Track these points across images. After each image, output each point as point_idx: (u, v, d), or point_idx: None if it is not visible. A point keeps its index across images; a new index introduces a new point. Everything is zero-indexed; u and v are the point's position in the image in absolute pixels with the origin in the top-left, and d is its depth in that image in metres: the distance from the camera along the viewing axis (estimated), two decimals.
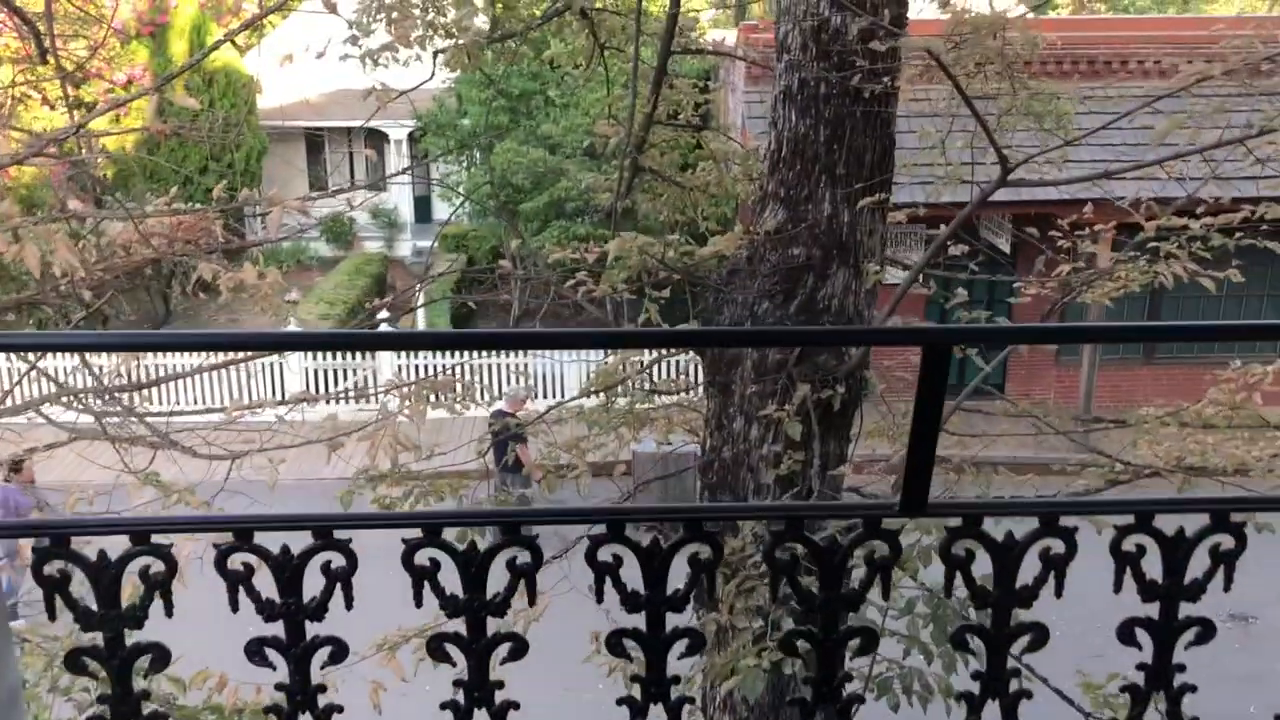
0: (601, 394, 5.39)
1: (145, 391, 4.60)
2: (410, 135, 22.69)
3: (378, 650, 4.36)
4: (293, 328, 15.62)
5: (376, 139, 25.30)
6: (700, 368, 4.82)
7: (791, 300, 4.37)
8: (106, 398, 4.46)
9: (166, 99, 21.71)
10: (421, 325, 15.73)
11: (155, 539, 1.69)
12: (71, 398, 4.41)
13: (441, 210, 22.75)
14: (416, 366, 16.07)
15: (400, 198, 24.71)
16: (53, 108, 21.55)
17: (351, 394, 4.83)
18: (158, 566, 1.69)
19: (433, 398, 4.92)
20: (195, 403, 13.60)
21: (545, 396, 15.18)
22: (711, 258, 4.52)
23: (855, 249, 4.38)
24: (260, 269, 6.61)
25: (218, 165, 22.18)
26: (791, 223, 4.38)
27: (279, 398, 5.17)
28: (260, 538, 1.70)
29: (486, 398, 12.93)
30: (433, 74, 6.86)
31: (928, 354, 1.59)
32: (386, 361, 15.83)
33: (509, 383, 15.26)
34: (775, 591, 1.82)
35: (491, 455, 10.31)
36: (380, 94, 7.63)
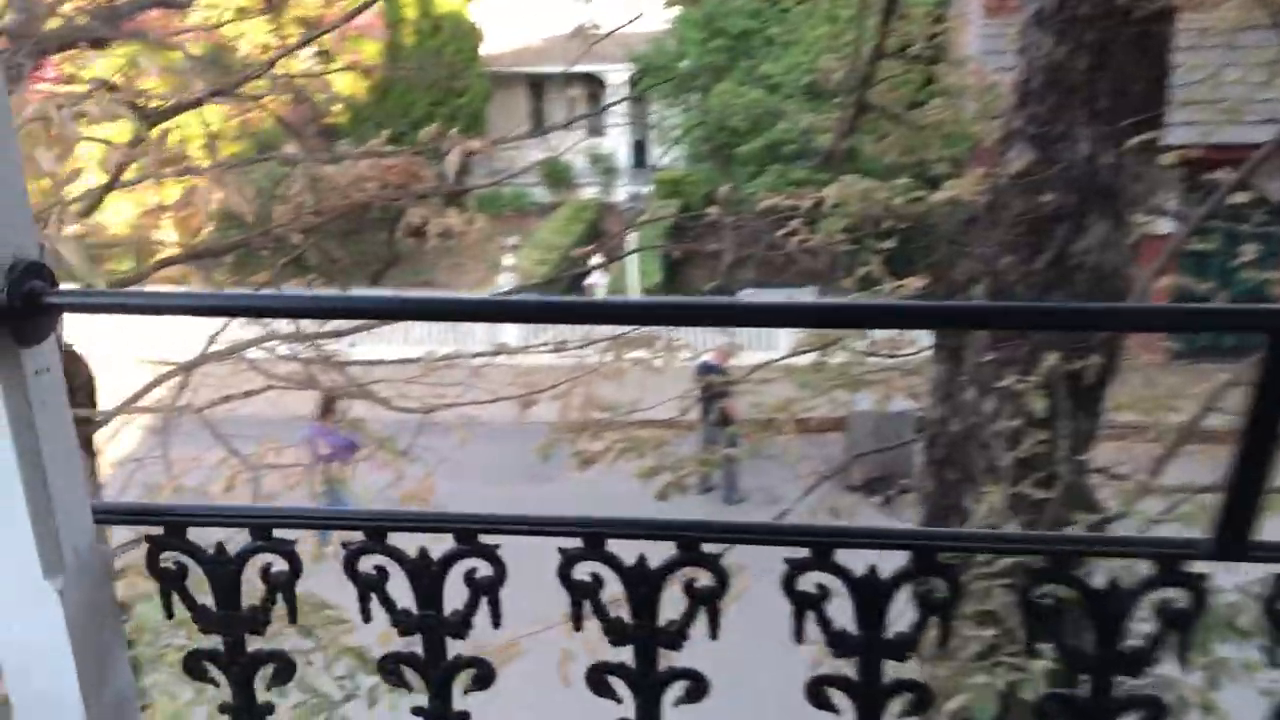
0: (814, 353, 4.97)
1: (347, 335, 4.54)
2: (628, 79, 22.53)
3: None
4: (505, 275, 15.80)
5: (595, 84, 25.30)
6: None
7: (1039, 255, 3.81)
8: (306, 344, 4.40)
9: (396, 44, 22.39)
10: (632, 274, 15.60)
11: (277, 534, 1.45)
12: (275, 343, 4.37)
13: (659, 155, 22.53)
14: None
15: (618, 142, 24.67)
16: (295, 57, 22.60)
17: (549, 348, 4.65)
18: (281, 565, 1.45)
19: (635, 352, 4.64)
20: (403, 341, 13.86)
21: (755, 348, 14.77)
22: (945, 205, 4.01)
23: (1117, 196, 3.77)
24: (470, 215, 6.49)
25: (443, 110, 22.71)
26: (1042, 165, 3.80)
27: (482, 343, 5.03)
28: (396, 538, 1.43)
29: (692, 349, 12.67)
30: (644, 12, 6.52)
31: (1276, 344, 1.13)
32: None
33: (717, 333, 14.93)
34: (1031, 642, 1.41)
35: (698, 409, 10.03)
36: (592, 32, 7.37)
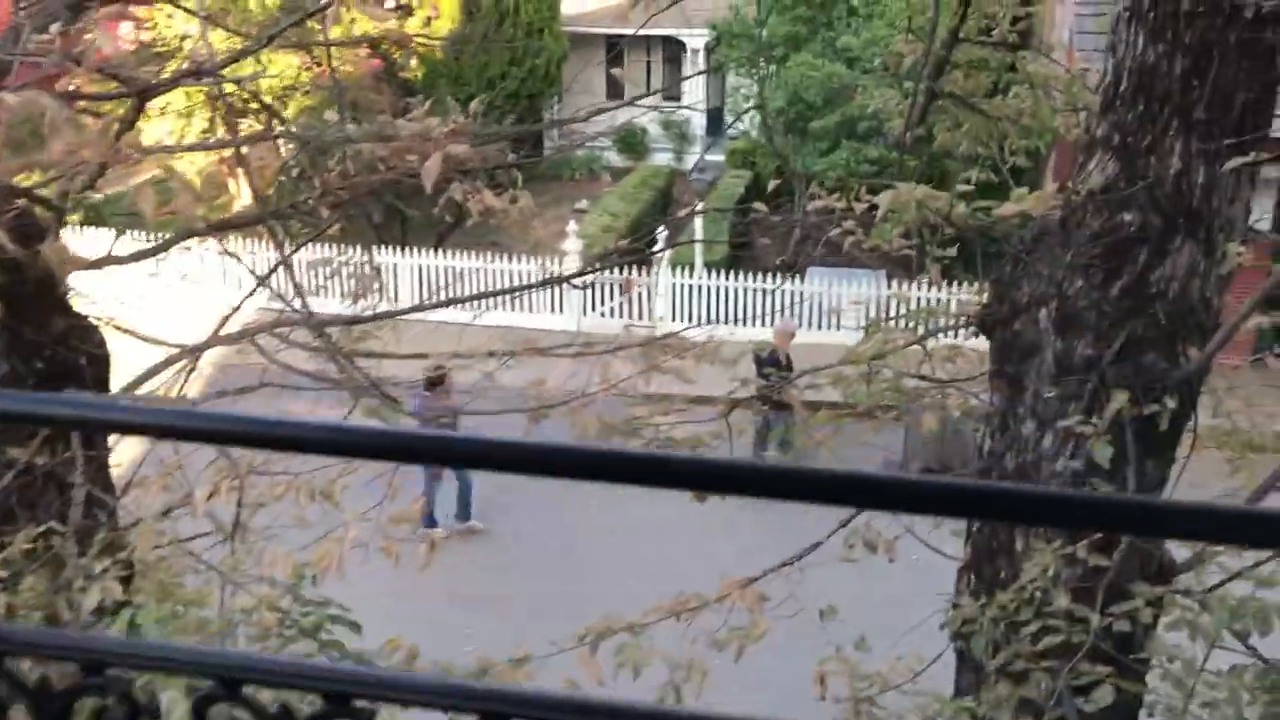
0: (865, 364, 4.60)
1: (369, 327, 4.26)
2: (707, 45, 21.99)
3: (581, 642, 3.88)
4: (570, 242, 15.49)
5: (675, 47, 24.75)
6: (988, 352, 3.94)
7: (1115, 280, 3.41)
8: (319, 334, 4.15)
9: (476, 3, 22.10)
10: (698, 247, 15.21)
11: (112, 672, 1.18)
12: (286, 331, 4.14)
13: (731, 124, 21.98)
14: (691, 286, 15.61)
15: (694, 110, 24.14)
16: (381, 3, 22.39)
17: (569, 353, 4.30)
18: (118, 711, 1.19)
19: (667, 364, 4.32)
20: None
21: (820, 328, 14.34)
22: (1013, 217, 3.61)
23: (1209, 219, 3.35)
24: (513, 193, 6.22)
25: (519, 70, 22.38)
26: (1125, 179, 3.39)
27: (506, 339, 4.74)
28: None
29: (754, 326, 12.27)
30: None
31: None
32: (663, 281, 15.47)
33: (780, 313, 14.51)
34: None
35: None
36: None
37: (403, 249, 17.10)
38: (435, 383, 9.87)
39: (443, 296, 13.51)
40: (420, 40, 11.47)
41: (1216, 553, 3.37)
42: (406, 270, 16.87)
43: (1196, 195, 3.32)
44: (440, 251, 16.99)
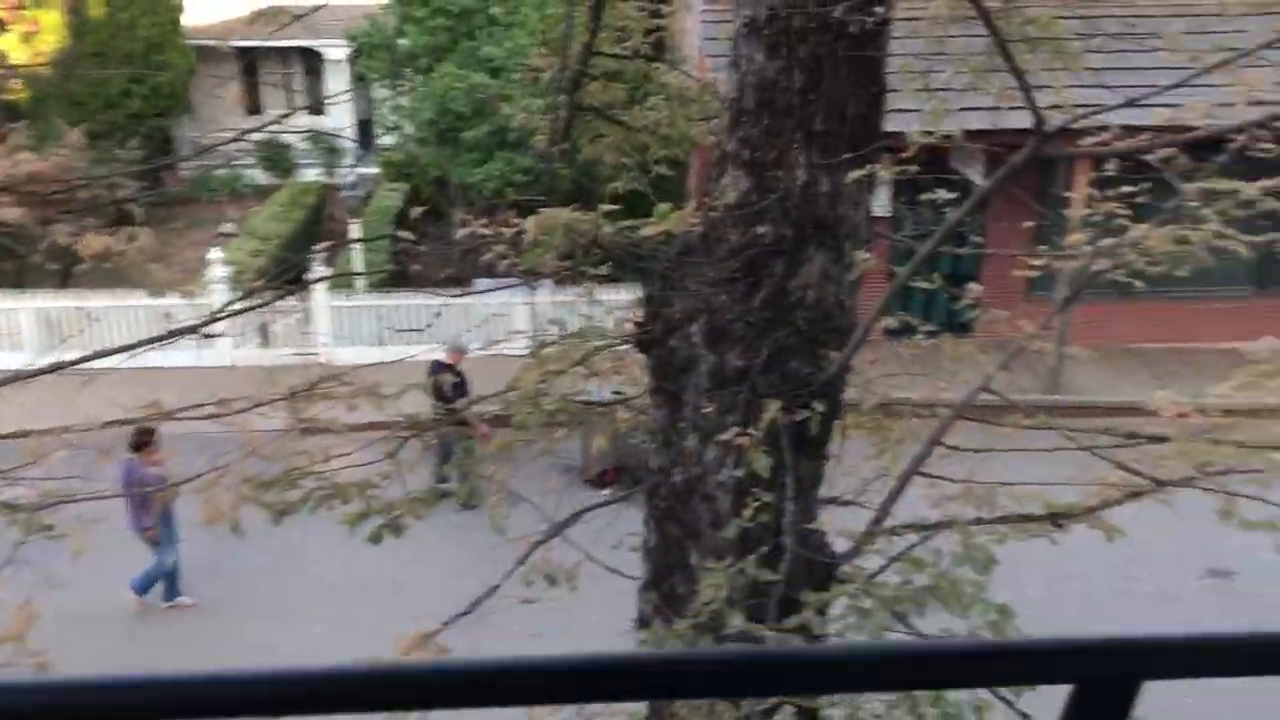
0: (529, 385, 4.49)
1: None
2: (349, 57, 21.27)
3: None
4: (217, 264, 14.50)
5: (313, 60, 23.81)
6: (647, 369, 3.94)
7: (756, 292, 3.49)
8: None
9: (85, 18, 20.15)
10: (358, 266, 14.66)
11: None
12: None
13: (382, 137, 21.40)
14: (350, 309, 15.00)
15: (341, 122, 23.31)
16: None
17: (205, 414, 3.86)
18: None
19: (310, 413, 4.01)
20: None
21: (492, 341, 14.21)
22: (657, 236, 3.61)
23: (836, 227, 3.49)
24: (131, 231, 5.64)
25: (141, 88, 20.67)
26: (757, 193, 3.48)
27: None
28: None
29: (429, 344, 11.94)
30: None
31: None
32: (322, 305, 14.79)
33: (451, 329, 14.24)
34: None
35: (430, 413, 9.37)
36: (284, 8, 6.66)
37: (22, 290, 15.35)
38: (143, 443, 8.63)
39: (72, 341, 12.16)
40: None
41: (873, 544, 3.53)
42: (28, 314, 15.12)
43: (823, 205, 3.46)
44: (67, 291, 15.39)
